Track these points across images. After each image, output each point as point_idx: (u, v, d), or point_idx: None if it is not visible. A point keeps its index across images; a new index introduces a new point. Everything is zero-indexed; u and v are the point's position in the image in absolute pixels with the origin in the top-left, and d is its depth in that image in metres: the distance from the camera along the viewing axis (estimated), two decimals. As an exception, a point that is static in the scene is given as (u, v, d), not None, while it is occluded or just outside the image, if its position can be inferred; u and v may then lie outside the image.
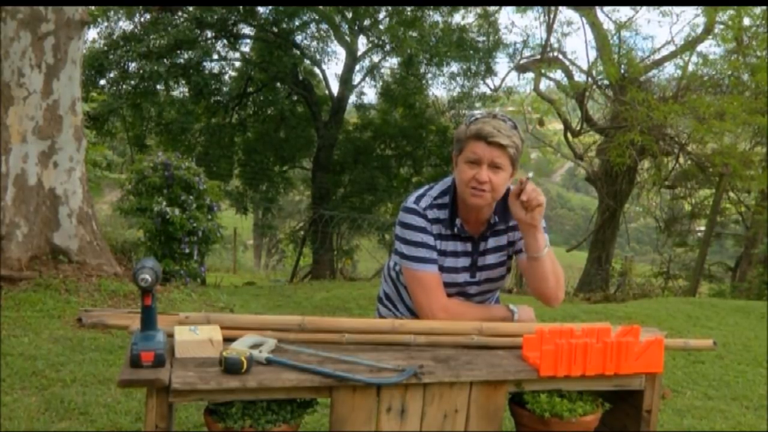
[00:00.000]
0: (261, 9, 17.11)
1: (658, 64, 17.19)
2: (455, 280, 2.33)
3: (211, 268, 16.18)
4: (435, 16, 17.88)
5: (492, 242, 2.37)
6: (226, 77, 18.39)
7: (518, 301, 11.23)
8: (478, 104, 18.80)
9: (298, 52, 17.74)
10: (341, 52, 19.53)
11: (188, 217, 8.42)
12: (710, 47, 48.43)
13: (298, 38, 18.05)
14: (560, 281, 2.31)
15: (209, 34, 17.31)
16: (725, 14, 15.30)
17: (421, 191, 2.38)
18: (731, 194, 17.02)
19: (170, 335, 1.90)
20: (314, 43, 18.30)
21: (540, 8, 17.28)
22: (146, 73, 15.81)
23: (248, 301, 8.77)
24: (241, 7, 16.72)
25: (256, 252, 31.92)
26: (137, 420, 3.63)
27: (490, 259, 2.36)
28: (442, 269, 2.31)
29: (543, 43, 17.71)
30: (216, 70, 18.10)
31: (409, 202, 2.33)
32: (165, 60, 16.16)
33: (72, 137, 6.79)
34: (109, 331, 5.08)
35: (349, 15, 17.71)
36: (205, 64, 17.38)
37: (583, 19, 16.62)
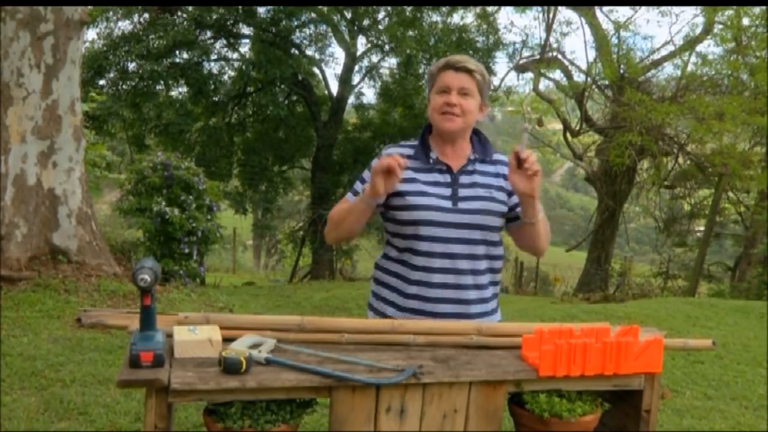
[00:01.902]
0: (260, 9, 17.11)
1: (658, 64, 17.21)
2: (438, 204, 2.30)
3: (211, 268, 16.20)
4: (434, 16, 17.89)
5: (479, 178, 2.36)
6: (225, 77, 18.40)
7: (518, 301, 11.17)
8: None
9: (297, 53, 17.74)
10: (340, 53, 19.52)
11: (188, 217, 8.43)
12: (709, 47, 48.51)
13: (298, 39, 18.06)
14: (548, 236, 2.41)
15: (208, 34, 17.31)
16: (724, 14, 15.31)
17: None
18: (730, 194, 17.05)
19: (169, 335, 1.89)
20: (313, 44, 18.31)
21: (539, 7, 17.30)
22: (145, 73, 15.82)
23: (247, 301, 8.78)
24: (240, 7, 16.72)
25: (256, 252, 31.94)
26: (136, 420, 3.63)
27: (475, 191, 2.34)
28: (425, 196, 2.30)
29: (542, 43, 17.73)
30: (215, 71, 18.10)
31: None
32: (164, 60, 16.17)
33: (71, 137, 6.79)
34: (108, 332, 5.09)
35: (349, 15, 17.72)
36: (204, 64, 17.38)
37: (582, 19, 16.64)
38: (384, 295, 2.44)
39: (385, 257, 2.46)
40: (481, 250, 2.35)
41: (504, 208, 2.36)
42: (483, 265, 2.37)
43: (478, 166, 2.38)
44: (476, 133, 2.43)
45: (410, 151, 2.38)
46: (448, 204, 2.31)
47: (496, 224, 2.36)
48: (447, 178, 2.34)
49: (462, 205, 2.31)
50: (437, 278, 2.31)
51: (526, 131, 2.30)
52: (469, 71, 2.30)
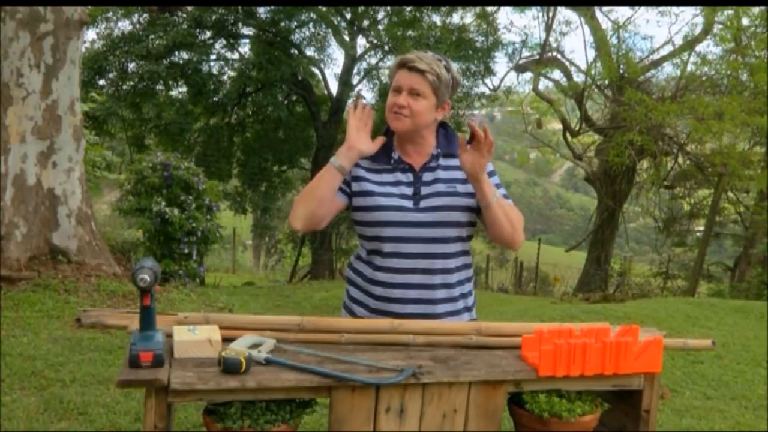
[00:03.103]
0: (260, 9, 17.10)
1: (657, 64, 17.22)
2: (399, 204, 2.28)
3: (210, 268, 16.20)
4: (434, 16, 17.88)
5: (442, 174, 2.32)
6: (225, 77, 18.40)
7: (518, 301, 11.16)
8: (477, 104, 18.80)
9: (297, 53, 17.73)
10: (340, 53, 19.51)
11: (187, 217, 8.43)
12: (709, 47, 48.56)
13: (297, 39, 18.05)
14: (516, 226, 2.29)
15: (208, 34, 17.31)
16: (723, 14, 15.33)
17: None
18: (730, 194, 17.06)
19: (169, 335, 1.89)
20: (313, 44, 18.30)
21: (539, 7, 17.31)
22: (145, 74, 15.82)
23: (247, 301, 8.79)
24: (240, 7, 16.72)
25: (255, 252, 31.94)
26: (136, 420, 3.63)
27: (436, 188, 2.31)
28: (386, 196, 2.29)
29: (542, 43, 17.74)
30: (215, 71, 18.10)
31: None
32: (164, 60, 16.17)
33: (71, 137, 6.79)
34: (108, 332, 5.09)
35: (348, 16, 17.72)
36: (203, 64, 17.37)
37: (582, 19, 16.65)
38: (354, 294, 2.43)
39: (356, 257, 2.46)
40: (453, 247, 2.32)
41: (471, 201, 2.29)
42: (454, 263, 2.34)
43: (442, 162, 2.34)
44: (444, 126, 2.40)
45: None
46: (409, 204, 2.29)
47: (466, 219, 2.32)
48: (409, 177, 2.32)
49: (424, 203, 2.29)
50: (403, 279, 2.29)
51: (479, 116, 2.24)
52: (420, 72, 2.24)
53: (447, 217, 2.29)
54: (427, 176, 2.32)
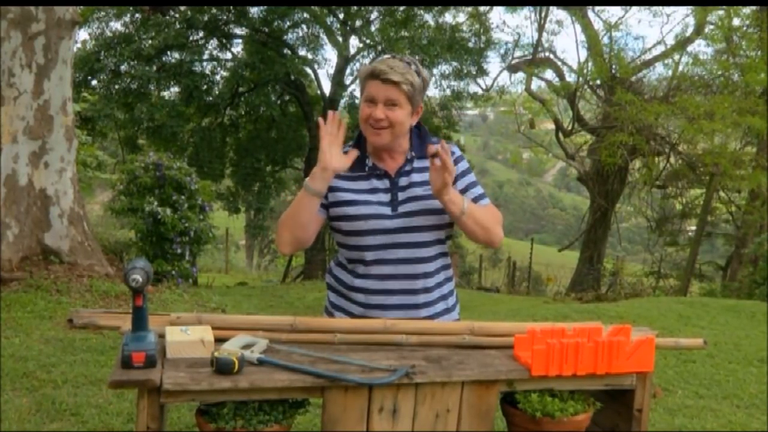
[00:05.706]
0: (252, 9, 17.08)
1: (649, 64, 17.29)
2: (378, 212, 2.27)
3: (203, 269, 16.16)
4: (426, 16, 17.89)
5: (416, 177, 2.31)
6: (218, 78, 18.35)
7: (511, 301, 11.13)
8: (469, 104, 18.79)
9: (290, 53, 17.71)
10: (333, 53, 19.50)
11: (180, 217, 8.41)
12: (700, 47, 48.65)
13: (290, 39, 18.03)
14: (489, 228, 2.27)
15: (200, 34, 17.27)
16: (714, 14, 15.40)
17: None
18: (722, 194, 17.12)
19: (162, 336, 1.89)
20: (306, 44, 18.27)
21: (531, 7, 17.36)
22: (137, 74, 15.77)
23: (240, 301, 8.77)
24: (232, 7, 16.69)
25: (248, 252, 31.90)
26: (129, 421, 3.62)
27: (412, 192, 2.29)
28: (365, 205, 2.27)
29: (534, 43, 17.77)
30: (208, 71, 18.05)
31: None
32: (156, 61, 16.12)
33: (63, 137, 6.77)
34: (100, 332, 5.07)
35: (341, 16, 17.71)
36: (196, 65, 17.32)
37: (573, 18, 16.70)
38: (335, 301, 2.43)
39: (336, 263, 2.45)
40: (432, 250, 2.32)
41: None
42: (434, 266, 2.33)
43: (416, 164, 2.32)
44: (416, 126, 2.36)
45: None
46: (387, 210, 2.27)
47: (444, 221, 2.30)
48: (385, 183, 2.30)
49: (402, 209, 2.28)
50: (385, 285, 2.28)
51: (439, 143, 2.21)
52: (395, 83, 2.19)
53: (425, 221, 2.28)
54: (403, 181, 2.31)
